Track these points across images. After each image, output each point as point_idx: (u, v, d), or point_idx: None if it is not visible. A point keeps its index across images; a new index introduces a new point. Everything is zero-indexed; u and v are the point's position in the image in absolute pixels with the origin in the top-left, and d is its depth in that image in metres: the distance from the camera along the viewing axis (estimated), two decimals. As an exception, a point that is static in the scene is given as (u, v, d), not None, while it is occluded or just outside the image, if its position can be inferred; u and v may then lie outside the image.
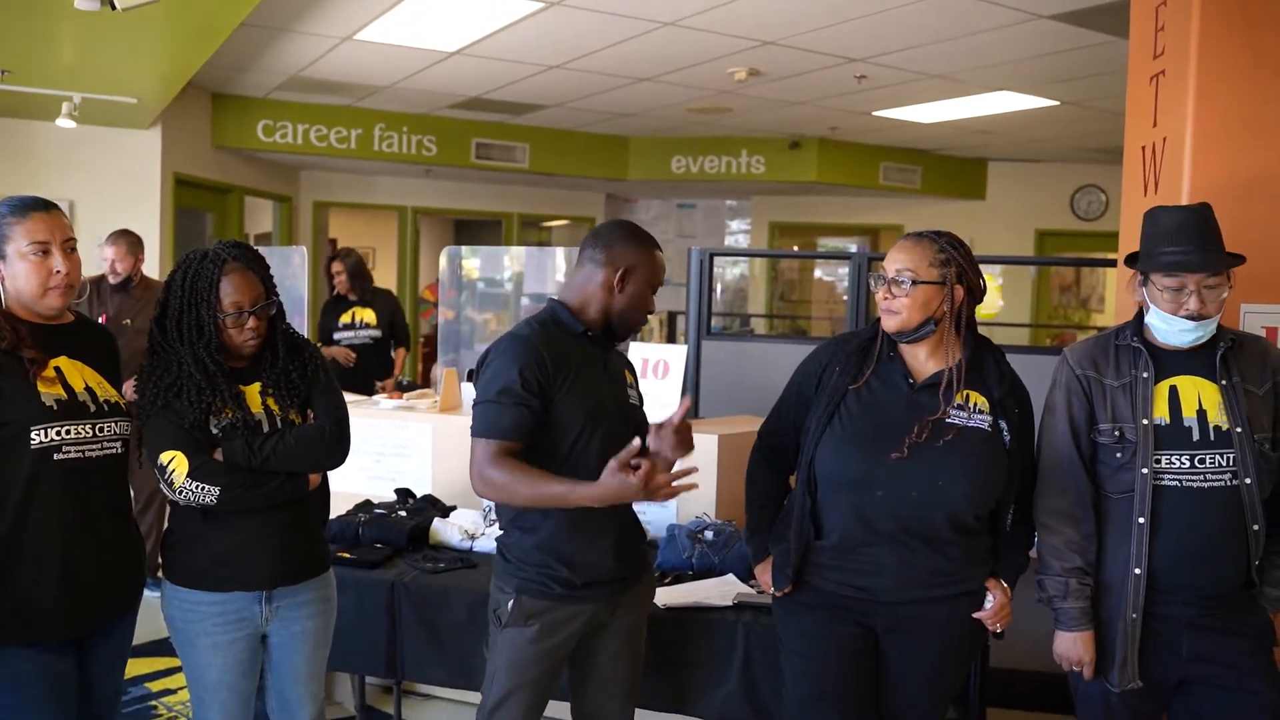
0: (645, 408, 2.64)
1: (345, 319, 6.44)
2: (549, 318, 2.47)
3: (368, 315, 6.48)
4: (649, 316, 2.54)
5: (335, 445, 2.48)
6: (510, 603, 2.44)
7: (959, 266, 2.35)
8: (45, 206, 2.31)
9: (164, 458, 2.35)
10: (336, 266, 6.48)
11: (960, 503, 2.31)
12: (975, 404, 2.36)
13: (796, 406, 2.52)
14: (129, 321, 5.19)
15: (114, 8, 3.88)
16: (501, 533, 2.52)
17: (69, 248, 2.32)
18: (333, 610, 2.65)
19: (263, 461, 2.38)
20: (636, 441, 2.22)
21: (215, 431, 2.38)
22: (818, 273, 12.94)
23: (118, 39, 5.32)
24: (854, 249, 12.76)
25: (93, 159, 7.62)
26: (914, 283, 2.34)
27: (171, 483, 2.35)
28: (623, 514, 2.50)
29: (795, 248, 12.71)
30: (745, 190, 11.42)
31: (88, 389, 2.34)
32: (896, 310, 2.37)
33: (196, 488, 2.34)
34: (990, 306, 10.84)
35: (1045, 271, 11.16)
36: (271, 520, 2.44)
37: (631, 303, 2.46)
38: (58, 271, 2.29)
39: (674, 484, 2.22)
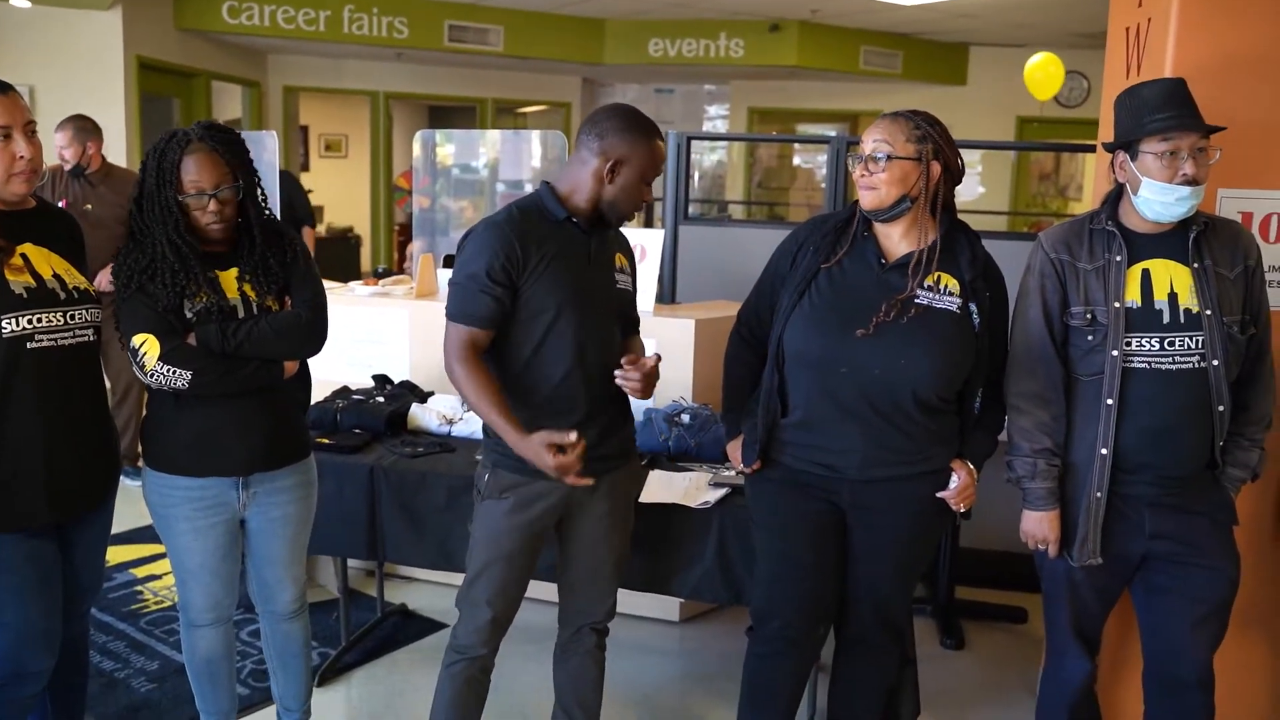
0: (634, 290, 2.63)
1: None
2: (532, 203, 2.45)
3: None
4: (644, 206, 2.51)
5: (311, 333, 2.46)
6: (487, 475, 2.51)
7: (935, 143, 2.34)
8: (3, 89, 2.24)
9: (136, 340, 2.34)
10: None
11: (923, 381, 2.34)
12: (945, 285, 2.37)
13: (772, 286, 2.53)
14: (89, 207, 5.10)
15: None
16: None
17: (30, 131, 2.26)
18: (313, 495, 2.67)
19: (236, 347, 2.37)
20: (572, 436, 2.28)
21: (190, 316, 2.36)
22: (796, 159, 12.84)
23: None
24: (833, 134, 12.67)
25: (51, 42, 7.40)
26: (890, 158, 2.33)
27: (143, 366, 2.34)
28: (604, 396, 2.49)
29: (774, 132, 12.59)
30: (724, 75, 11.25)
31: (55, 276, 2.31)
32: (874, 186, 2.36)
33: (168, 371, 2.33)
34: (969, 193, 10.81)
35: (1024, 159, 11.12)
36: (247, 406, 2.44)
37: (622, 193, 2.41)
38: (21, 157, 2.24)
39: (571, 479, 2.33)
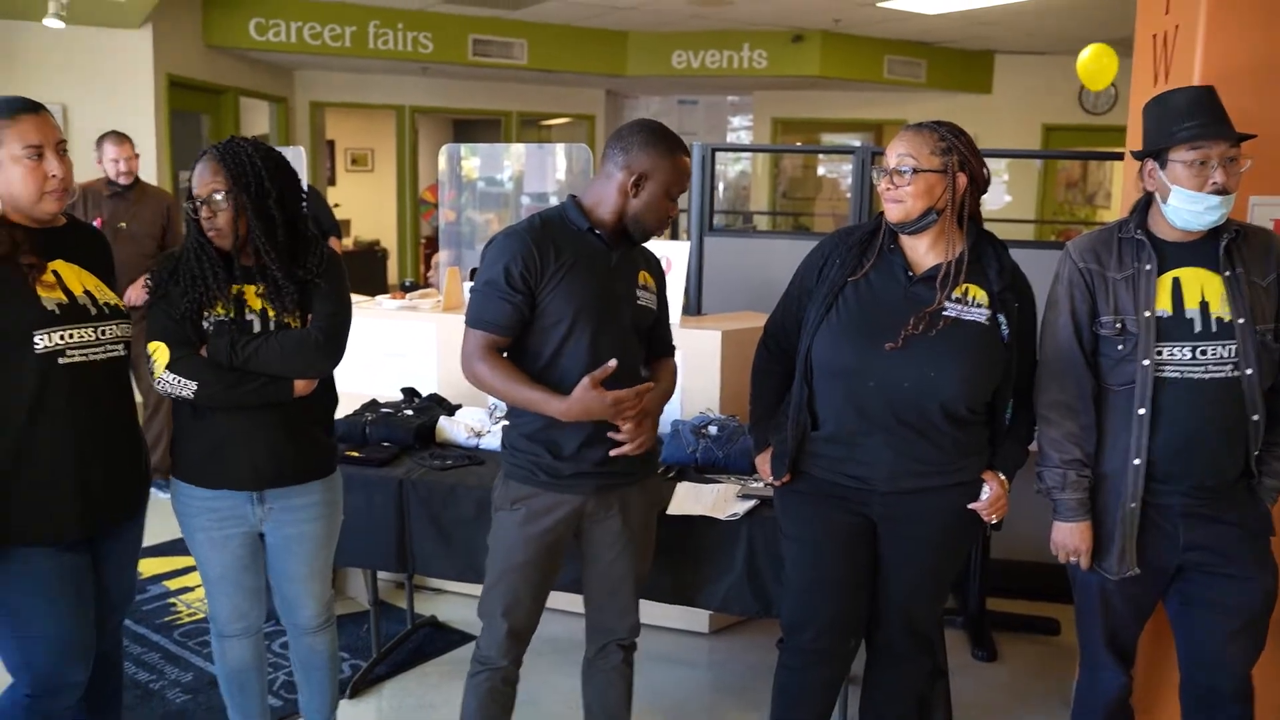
0: (661, 309, 2.62)
1: None
2: (555, 214, 2.47)
3: None
4: (670, 219, 2.51)
5: (320, 353, 2.44)
6: (499, 486, 2.54)
7: (960, 154, 2.33)
8: (34, 108, 2.28)
9: (150, 347, 2.40)
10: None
11: (952, 394, 2.33)
12: (974, 297, 2.36)
13: (799, 299, 2.53)
14: (123, 225, 5.17)
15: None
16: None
17: (61, 150, 2.30)
18: (336, 513, 2.66)
19: (244, 362, 2.39)
20: (612, 363, 2.33)
21: (207, 327, 2.40)
22: (821, 169, 12.81)
23: (104, -66, 5.19)
24: (857, 144, 12.63)
25: (83, 61, 7.49)
26: (915, 171, 2.32)
27: (153, 372, 2.40)
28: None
29: (799, 143, 12.57)
30: (747, 86, 11.25)
31: (86, 292, 2.34)
32: (899, 199, 2.35)
33: (174, 380, 2.38)
34: (995, 202, 10.76)
35: (1051, 167, 11.05)
36: (259, 420, 2.45)
37: (646, 208, 2.43)
38: (53, 175, 2.27)
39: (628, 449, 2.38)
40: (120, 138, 5.20)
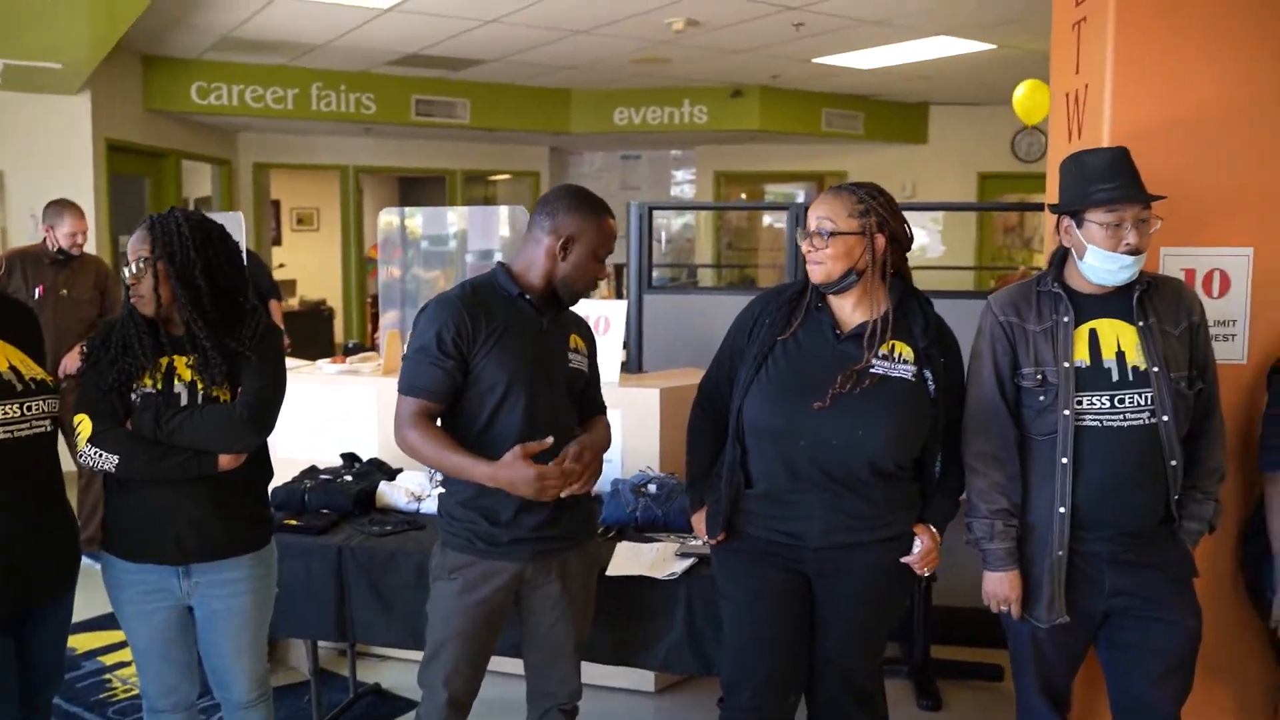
0: (592, 369, 2.65)
1: None
2: (486, 280, 2.51)
3: None
4: (599, 281, 2.55)
5: (243, 429, 2.41)
6: (437, 555, 2.55)
7: (879, 215, 2.39)
8: None
9: (76, 419, 2.40)
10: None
11: (880, 451, 2.36)
12: (900, 354, 2.41)
13: (731, 359, 2.57)
14: (65, 292, 5.13)
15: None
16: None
17: None
18: (268, 587, 2.63)
19: (168, 436, 2.38)
20: (549, 440, 2.35)
21: (135, 399, 2.40)
22: (766, 219, 12.98)
23: (38, 1, 5.19)
24: (800, 196, 12.80)
25: (20, 127, 7.43)
26: (834, 234, 2.38)
27: (76, 445, 2.39)
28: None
29: (743, 196, 12.73)
30: (689, 140, 11.40)
31: (11, 367, 2.33)
32: (819, 261, 2.41)
33: (95, 454, 2.37)
34: (928, 252, 10.95)
35: (988, 213, 11.28)
36: (185, 494, 2.44)
37: (574, 271, 2.48)
38: None
39: (564, 493, 2.39)
40: (77, 211, 5.17)
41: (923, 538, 2.46)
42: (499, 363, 2.41)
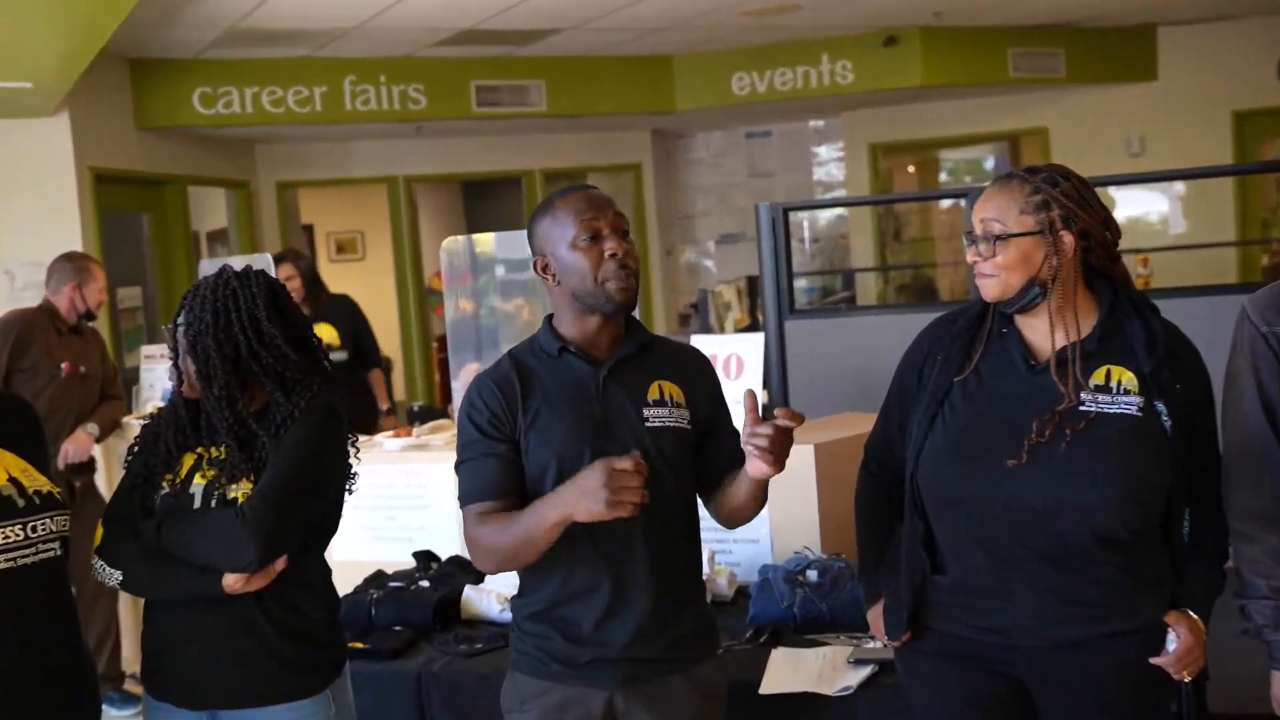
0: (709, 420, 2.67)
1: None
2: (529, 343, 2.66)
3: (328, 333, 6.59)
4: (628, 266, 2.51)
5: (240, 538, 2.48)
6: (505, 681, 2.65)
7: (1062, 208, 2.42)
8: None
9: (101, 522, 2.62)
10: (285, 272, 6.58)
11: (1102, 514, 2.37)
12: (1119, 382, 2.42)
13: (900, 408, 2.63)
14: (84, 369, 5.46)
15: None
16: None
17: None
18: None
19: (168, 547, 2.55)
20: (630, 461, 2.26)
21: (156, 502, 2.60)
22: (946, 201, 12.82)
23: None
24: (990, 163, 12.68)
25: (-10, 160, 7.76)
26: (1003, 237, 2.42)
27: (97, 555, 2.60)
28: (655, 572, 2.54)
29: (911, 169, 12.66)
30: (832, 106, 11.40)
31: (12, 480, 2.44)
32: (990, 273, 2.45)
33: (101, 568, 2.58)
34: (1170, 228, 10.67)
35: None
36: (207, 618, 2.57)
37: (572, 277, 2.53)
38: None
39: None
40: (94, 264, 5.51)
41: (1178, 629, 2.42)
42: (544, 439, 2.51)
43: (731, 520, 2.70)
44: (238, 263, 2.78)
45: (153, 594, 2.60)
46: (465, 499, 2.54)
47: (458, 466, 2.57)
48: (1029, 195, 2.44)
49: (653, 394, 2.60)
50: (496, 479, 2.51)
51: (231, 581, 2.52)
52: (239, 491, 2.56)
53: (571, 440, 2.51)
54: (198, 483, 2.59)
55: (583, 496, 2.28)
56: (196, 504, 2.57)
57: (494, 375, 2.58)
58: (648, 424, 2.56)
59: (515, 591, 3.66)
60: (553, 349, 2.58)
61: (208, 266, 2.78)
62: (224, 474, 2.57)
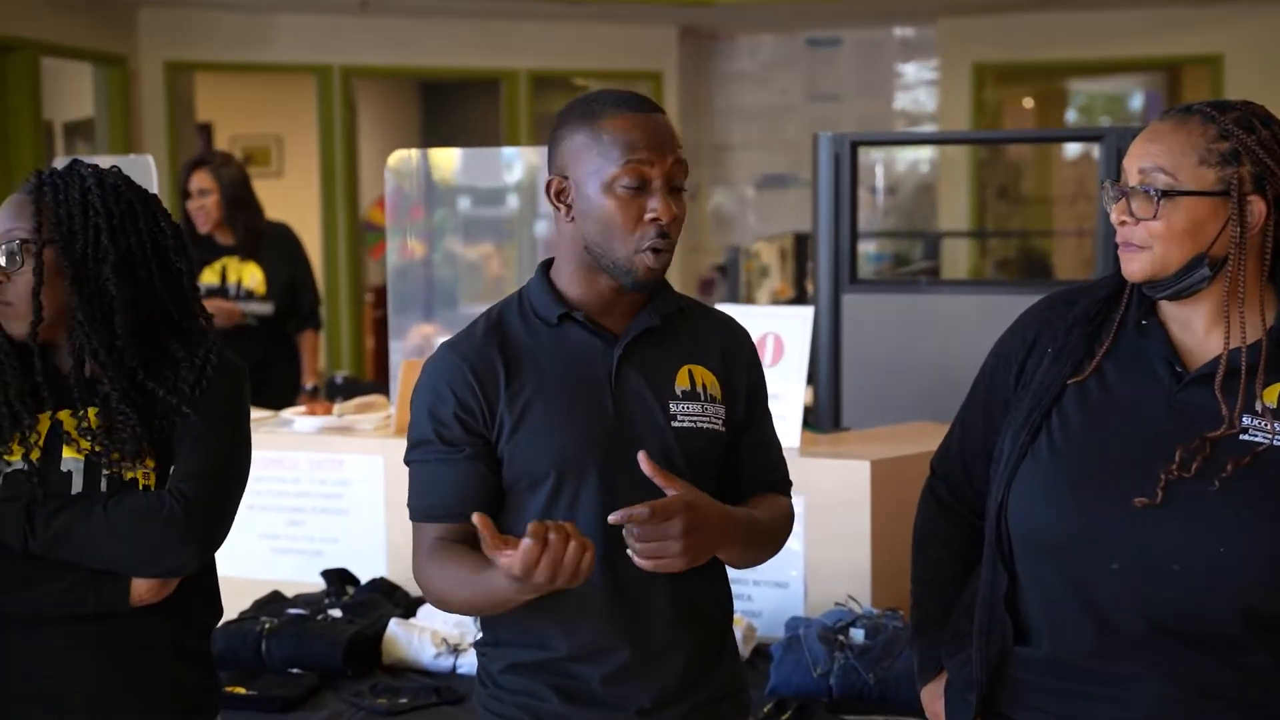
0: (744, 422, 2.66)
1: (211, 278, 6.49)
2: (516, 302, 2.59)
3: (250, 275, 6.59)
4: (668, 236, 2.46)
5: (176, 535, 2.52)
6: None
7: (1257, 163, 2.37)
8: None
9: None
10: (201, 182, 6.53)
11: (1262, 584, 2.35)
12: (1295, 408, 2.43)
13: (987, 417, 2.63)
14: None
15: None
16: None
17: None
18: None
19: (47, 545, 2.51)
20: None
21: None
22: (1069, 150, 12.84)
23: None
24: (1138, 101, 12.67)
25: None
26: (1169, 193, 2.39)
27: None
28: (686, 619, 2.56)
29: (1028, 103, 12.65)
30: (925, 9, 11.42)
31: None
32: (1142, 244, 2.41)
33: None
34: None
35: None
36: (80, 638, 2.58)
37: (593, 225, 2.46)
38: None
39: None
40: None
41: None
42: (538, 443, 2.48)
43: (738, 561, 2.68)
44: (114, 164, 2.76)
45: (17, 608, 2.54)
46: (416, 514, 2.52)
47: (409, 459, 2.55)
48: (1214, 141, 2.38)
49: (681, 382, 2.59)
50: (459, 493, 2.47)
51: (145, 590, 2.55)
52: (136, 472, 2.57)
53: (574, 446, 2.48)
54: (70, 457, 2.58)
55: (497, 589, 2.29)
56: (76, 486, 2.57)
57: (465, 349, 2.51)
58: (675, 423, 2.55)
59: (471, 631, 3.73)
60: (551, 314, 2.54)
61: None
62: (114, 447, 2.56)
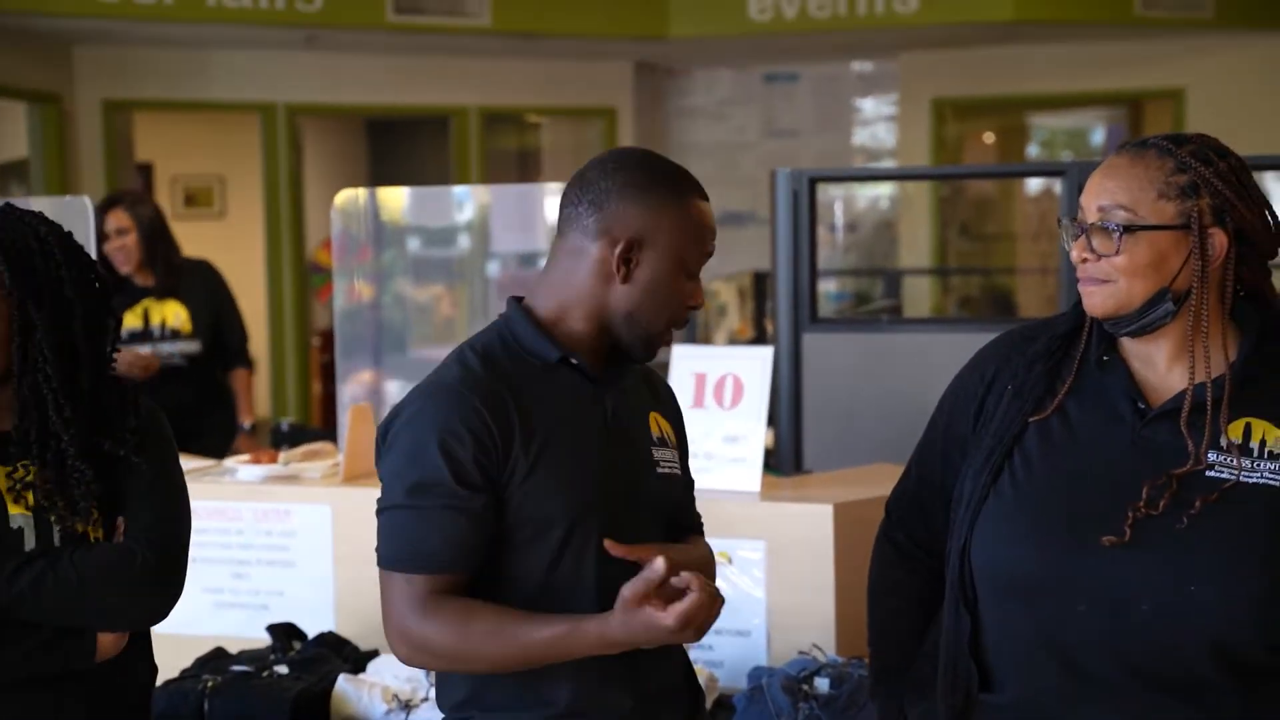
0: (698, 468, 2.72)
1: (133, 321, 6.41)
2: (499, 340, 2.54)
3: (174, 314, 6.54)
4: (691, 314, 2.60)
5: (150, 584, 2.55)
6: None
7: (1216, 195, 2.39)
8: None
9: None
10: (118, 221, 6.44)
11: (1234, 623, 2.35)
12: (1261, 441, 2.42)
13: (945, 456, 2.63)
14: None
15: None
16: None
17: None
18: None
19: (9, 604, 2.48)
20: (659, 563, 2.27)
21: None
22: (1031, 184, 12.90)
23: None
24: (1100, 135, 12.75)
25: None
26: (1129, 229, 2.40)
27: None
28: (688, 675, 2.58)
29: (989, 138, 12.71)
30: (885, 44, 11.46)
31: None
32: (1100, 278, 2.42)
33: None
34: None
35: None
36: (30, 705, 2.55)
37: (649, 300, 2.49)
38: None
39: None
40: None
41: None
42: (553, 487, 2.45)
43: None
44: (49, 205, 2.75)
45: None
46: (407, 564, 2.43)
47: (391, 511, 2.47)
48: (1171, 174, 2.40)
49: (653, 429, 2.63)
50: (468, 543, 2.42)
51: (111, 643, 2.56)
52: (79, 524, 2.55)
53: (588, 492, 2.47)
54: (19, 514, 2.55)
55: (649, 633, 2.30)
56: (29, 543, 2.54)
57: (477, 391, 2.44)
58: (658, 469, 2.59)
59: (423, 686, 3.71)
60: (549, 356, 2.51)
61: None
62: (62, 505, 2.54)
